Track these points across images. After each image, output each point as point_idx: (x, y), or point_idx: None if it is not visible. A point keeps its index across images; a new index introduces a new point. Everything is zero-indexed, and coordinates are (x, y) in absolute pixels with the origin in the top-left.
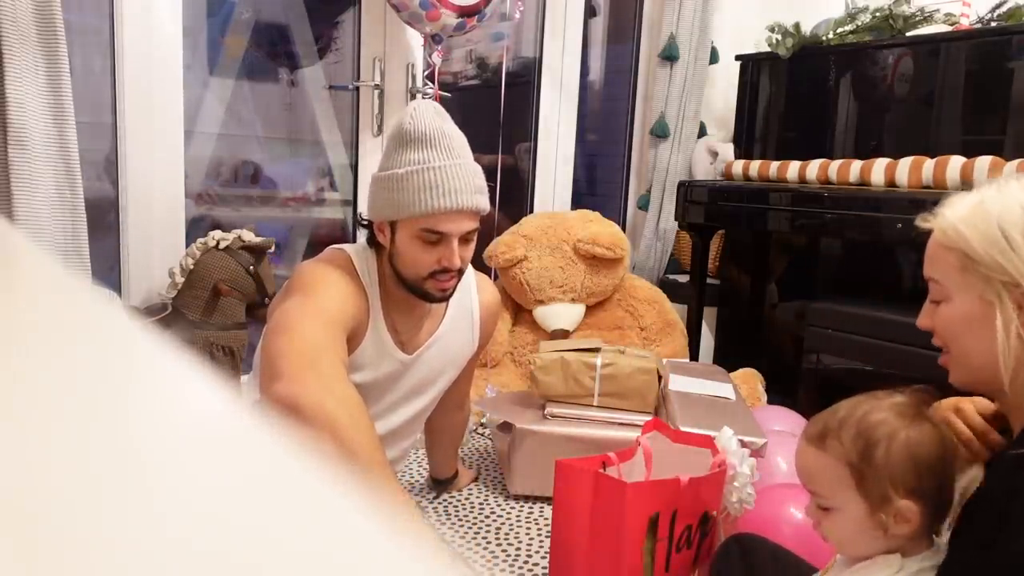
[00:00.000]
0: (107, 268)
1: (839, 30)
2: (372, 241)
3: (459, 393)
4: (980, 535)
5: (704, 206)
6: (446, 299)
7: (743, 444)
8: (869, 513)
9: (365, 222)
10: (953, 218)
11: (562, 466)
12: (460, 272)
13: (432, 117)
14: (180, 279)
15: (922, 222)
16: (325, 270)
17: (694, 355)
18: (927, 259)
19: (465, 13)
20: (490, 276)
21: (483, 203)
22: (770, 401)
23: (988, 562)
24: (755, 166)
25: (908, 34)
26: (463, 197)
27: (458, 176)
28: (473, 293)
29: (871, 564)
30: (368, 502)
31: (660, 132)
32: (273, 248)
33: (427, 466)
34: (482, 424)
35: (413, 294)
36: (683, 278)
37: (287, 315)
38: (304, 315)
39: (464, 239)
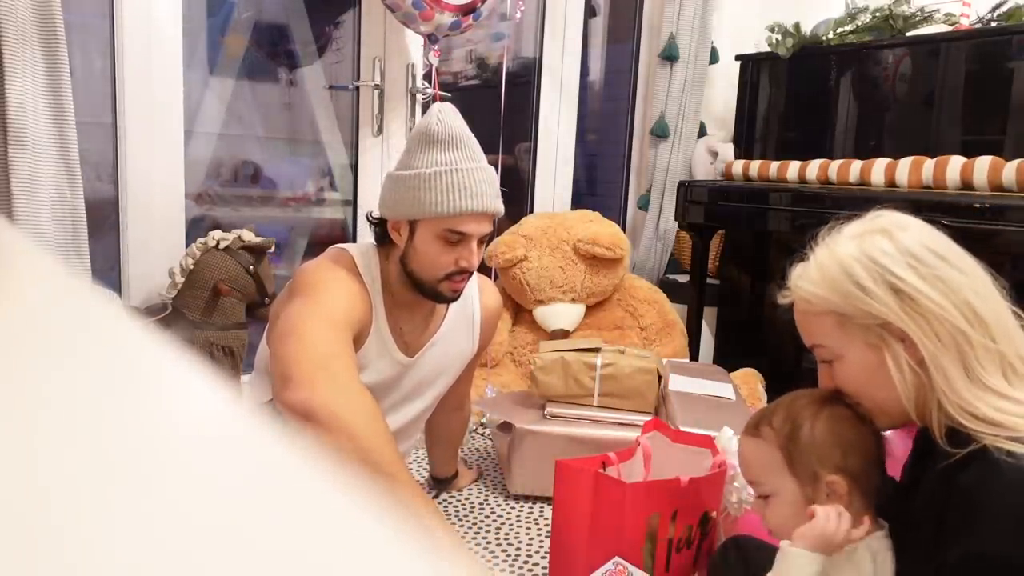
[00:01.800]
0: (107, 268)
1: (839, 30)
2: (380, 240)
3: (458, 394)
4: (923, 548)
5: (704, 206)
6: (456, 299)
7: None
8: (802, 493)
9: (375, 220)
10: (809, 287)
11: (562, 466)
12: (471, 273)
13: (457, 120)
14: (180, 279)
15: (782, 299)
16: (329, 271)
17: (694, 355)
18: (803, 331)
19: (460, 12)
20: (490, 276)
21: (501, 206)
22: (770, 401)
23: (932, 572)
24: (755, 166)
25: (908, 34)
26: (487, 200)
27: (483, 180)
28: (475, 295)
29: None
30: (374, 503)
31: (660, 132)
32: (273, 248)
33: (427, 466)
34: (482, 424)
35: (424, 294)
36: (683, 278)
37: (294, 319)
38: (311, 318)
39: (479, 241)
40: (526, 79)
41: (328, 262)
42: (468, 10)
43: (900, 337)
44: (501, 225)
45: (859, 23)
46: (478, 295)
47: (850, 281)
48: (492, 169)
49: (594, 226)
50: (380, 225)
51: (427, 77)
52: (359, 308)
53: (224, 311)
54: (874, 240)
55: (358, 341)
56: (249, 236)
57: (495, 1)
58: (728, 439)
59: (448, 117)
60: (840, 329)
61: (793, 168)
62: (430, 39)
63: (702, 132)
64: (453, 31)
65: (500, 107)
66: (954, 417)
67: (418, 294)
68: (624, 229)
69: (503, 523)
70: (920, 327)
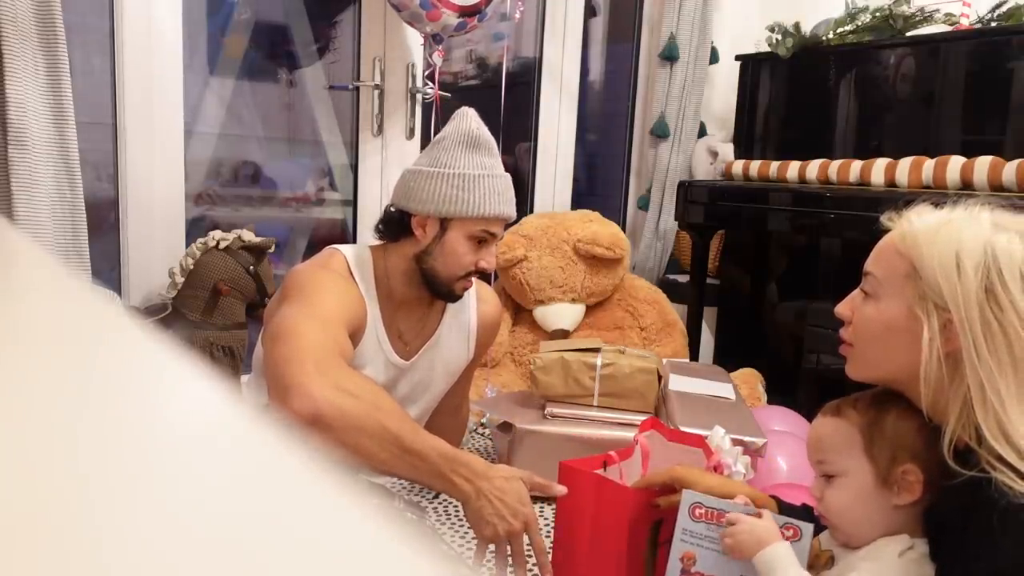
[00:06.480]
0: (107, 268)
1: (839, 30)
2: (394, 234)
3: (456, 395)
4: (949, 561)
5: (704, 206)
6: (459, 299)
7: (737, 442)
8: (874, 479)
9: (394, 211)
10: (918, 227)
11: (565, 468)
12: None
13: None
14: (180, 279)
15: (887, 221)
16: (320, 272)
17: (694, 355)
18: (875, 254)
19: (466, 13)
20: (490, 277)
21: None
22: (770, 401)
23: None
24: (755, 166)
25: (908, 34)
26: (513, 207)
27: (510, 188)
28: (471, 303)
29: (878, 543)
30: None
31: (660, 132)
32: (273, 248)
33: None
34: (482, 424)
35: (435, 292)
36: (683, 278)
37: (285, 322)
38: (303, 319)
39: None
40: (526, 79)
41: (319, 263)
42: (474, 11)
43: (945, 326)
44: None
45: (859, 23)
46: (475, 303)
47: (955, 252)
48: None
49: (594, 226)
50: (397, 218)
51: (430, 77)
52: (351, 308)
53: (224, 311)
54: (1010, 237)
55: (351, 342)
56: (249, 236)
57: (496, 1)
58: (721, 438)
59: (482, 124)
60: (903, 279)
61: (793, 168)
62: (434, 39)
63: (702, 132)
64: (458, 32)
65: (500, 107)
66: (984, 435)
67: (423, 291)
68: (624, 229)
69: None
70: (985, 335)
